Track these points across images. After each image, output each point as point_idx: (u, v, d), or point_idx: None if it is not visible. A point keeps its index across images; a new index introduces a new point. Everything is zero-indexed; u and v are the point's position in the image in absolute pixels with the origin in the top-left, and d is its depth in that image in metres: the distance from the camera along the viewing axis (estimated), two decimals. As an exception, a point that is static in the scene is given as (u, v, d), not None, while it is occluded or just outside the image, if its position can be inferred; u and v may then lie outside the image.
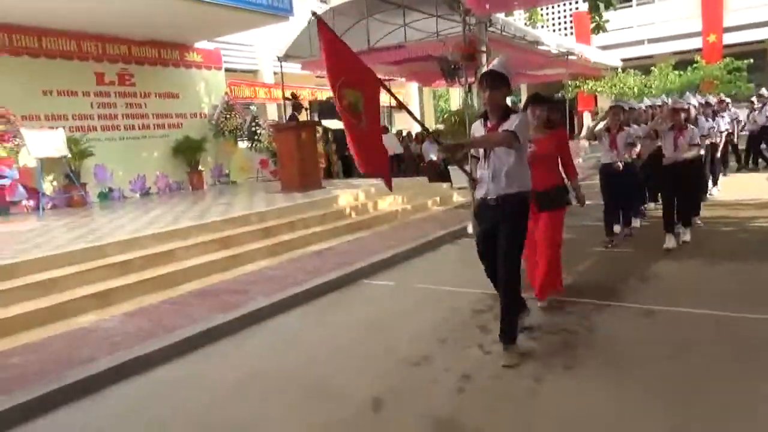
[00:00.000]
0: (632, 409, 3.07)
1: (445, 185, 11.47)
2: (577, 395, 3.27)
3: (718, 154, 10.12)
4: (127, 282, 5.57)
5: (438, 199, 10.62)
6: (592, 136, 7.24)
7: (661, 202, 6.92)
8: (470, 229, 7.85)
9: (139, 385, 3.83)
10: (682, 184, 6.44)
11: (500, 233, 3.73)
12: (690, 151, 6.39)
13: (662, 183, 6.77)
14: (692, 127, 6.62)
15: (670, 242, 6.44)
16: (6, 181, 9.31)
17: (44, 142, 9.44)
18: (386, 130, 15.33)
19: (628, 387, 3.33)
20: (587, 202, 5.06)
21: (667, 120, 6.68)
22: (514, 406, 3.21)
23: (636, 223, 7.70)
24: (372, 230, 8.38)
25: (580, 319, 4.47)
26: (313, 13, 4.24)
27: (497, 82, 3.70)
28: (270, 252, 6.96)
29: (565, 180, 4.88)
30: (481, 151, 3.90)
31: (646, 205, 8.41)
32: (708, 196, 9.41)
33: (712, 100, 10.59)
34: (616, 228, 7.12)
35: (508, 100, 3.97)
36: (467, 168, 4.70)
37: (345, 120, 3.83)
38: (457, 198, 10.84)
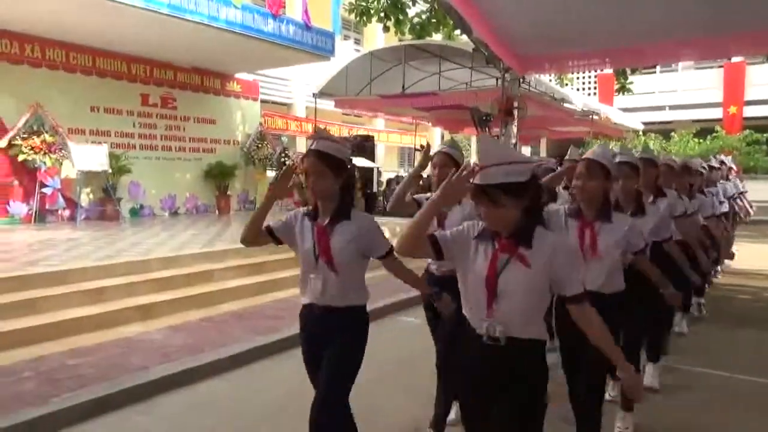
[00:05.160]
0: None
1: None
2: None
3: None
4: (169, 297, 5.83)
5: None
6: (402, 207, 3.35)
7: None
8: None
9: (188, 395, 4.05)
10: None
11: None
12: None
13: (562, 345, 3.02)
14: (624, 218, 2.90)
15: None
16: (48, 190, 9.70)
17: (89, 156, 9.86)
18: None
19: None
20: None
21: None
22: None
23: None
24: (396, 268, 8.61)
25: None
26: None
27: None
28: (301, 281, 7.20)
29: None
30: None
31: None
32: (696, 313, 6.30)
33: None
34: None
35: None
36: None
37: None
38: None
